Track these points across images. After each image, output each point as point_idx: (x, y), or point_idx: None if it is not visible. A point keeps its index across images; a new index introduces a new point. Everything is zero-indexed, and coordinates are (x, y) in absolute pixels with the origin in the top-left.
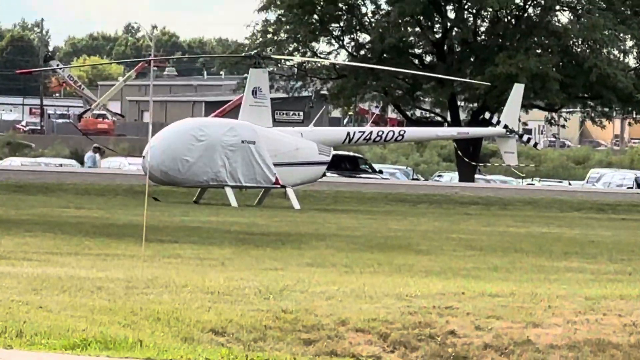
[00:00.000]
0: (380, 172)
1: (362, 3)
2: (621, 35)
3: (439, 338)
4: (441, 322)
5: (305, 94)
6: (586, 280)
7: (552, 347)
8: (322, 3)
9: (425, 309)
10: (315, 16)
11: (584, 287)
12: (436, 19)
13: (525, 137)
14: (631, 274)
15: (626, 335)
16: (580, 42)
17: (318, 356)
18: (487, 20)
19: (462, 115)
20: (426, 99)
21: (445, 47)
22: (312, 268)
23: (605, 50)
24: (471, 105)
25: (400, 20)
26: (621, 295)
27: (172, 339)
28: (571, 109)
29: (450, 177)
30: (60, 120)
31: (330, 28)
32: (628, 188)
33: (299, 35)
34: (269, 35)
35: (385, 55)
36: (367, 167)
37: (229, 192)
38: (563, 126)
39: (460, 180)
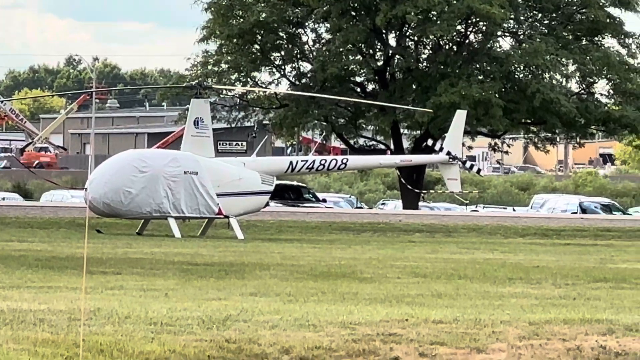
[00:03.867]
0: (324, 201)
1: (303, 32)
2: (563, 60)
3: None
4: (385, 349)
5: (247, 124)
6: (530, 306)
7: None
8: (262, 33)
9: (369, 337)
10: (256, 46)
11: (528, 312)
12: (378, 47)
13: (468, 164)
14: (576, 298)
15: None
16: (522, 68)
17: None
18: (428, 48)
19: (405, 143)
20: (369, 127)
21: (387, 75)
22: (255, 297)
23: (547, 75)
24: (414, 132)
25: (342, 49)
26: (565, 320)
27: None
28: (514, 135)
29: (394, 205)
30: (2, 154)
31: (271, 57)
32: (572, 213)
33: (240, 66)
34: (210, 66)
35: (327, 83)
36: (311, 196)
37: (172, 223)
38: (506, 152)
39: (404, 207)
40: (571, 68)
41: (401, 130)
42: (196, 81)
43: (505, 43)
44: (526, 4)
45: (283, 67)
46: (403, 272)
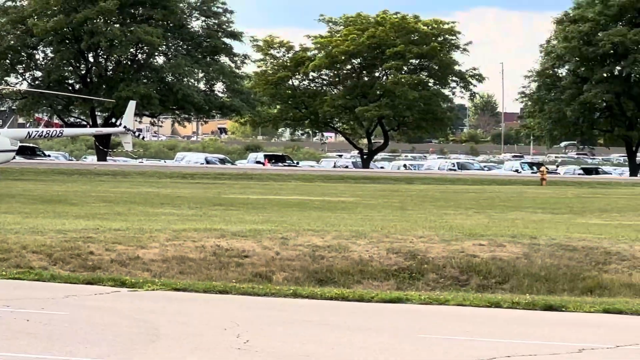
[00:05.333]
0: (49, 155)
1: (37, 52)
2: (195, 70)
3: (83, 256)
4: (84, 246)
5: (2, 109)
6: (174, 220)
7: (154, 261)
8: (11, 52)
9: (74, 239)
10: (7, 61)
11: (172, 224)
12: (82, 61)
13: (137, 133)
14: (201, 216)
15: (198, 253)
16: (171, 75)
17: (9, 268)
18: (113, 62)
19: (99, 120)
20: (77, 111)
21: (88, 79)
22: (5, 215)
23: (186, 80)
24: (104, 114)
25: (60, 63)
26: (195, 229)
27: None
28: (165, 116)
29: (91, 159)
30: None
31: (17, 68)
32: (201, 164)
33: None
34: None
35: (51, 84)
36: (41, 153)
37: None
38: (160, 126)
39: (98, 160)
40: (200, 75)
41: (96, 113)
42: None
43: (160, 60)
44: (173, 35)
45: (24, 74)
46: (96, 199)
